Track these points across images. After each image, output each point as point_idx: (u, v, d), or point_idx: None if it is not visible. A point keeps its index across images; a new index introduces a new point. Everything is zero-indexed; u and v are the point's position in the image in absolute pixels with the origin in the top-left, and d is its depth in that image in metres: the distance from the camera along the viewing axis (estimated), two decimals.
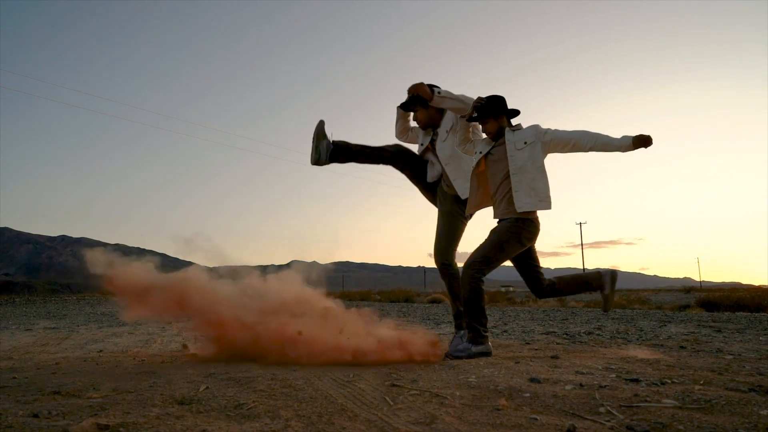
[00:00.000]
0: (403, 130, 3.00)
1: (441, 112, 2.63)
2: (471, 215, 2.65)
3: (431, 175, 2.62)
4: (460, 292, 2.64)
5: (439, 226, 2.59)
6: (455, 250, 2.59)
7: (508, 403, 1.60)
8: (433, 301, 15.00)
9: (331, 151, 2.40)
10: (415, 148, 2.89)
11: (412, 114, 2.96)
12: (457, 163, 2.53)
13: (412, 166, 2.61)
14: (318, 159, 2.40)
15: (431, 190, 2.67)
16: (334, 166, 2.83)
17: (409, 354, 2.46)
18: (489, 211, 2.93)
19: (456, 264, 2.60)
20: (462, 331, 2.67)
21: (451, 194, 2.54)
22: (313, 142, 2.42)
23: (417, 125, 2.91)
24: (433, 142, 2.64)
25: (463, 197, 2.52)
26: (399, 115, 2.98)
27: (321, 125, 2.43)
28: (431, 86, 2.52)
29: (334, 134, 2.80)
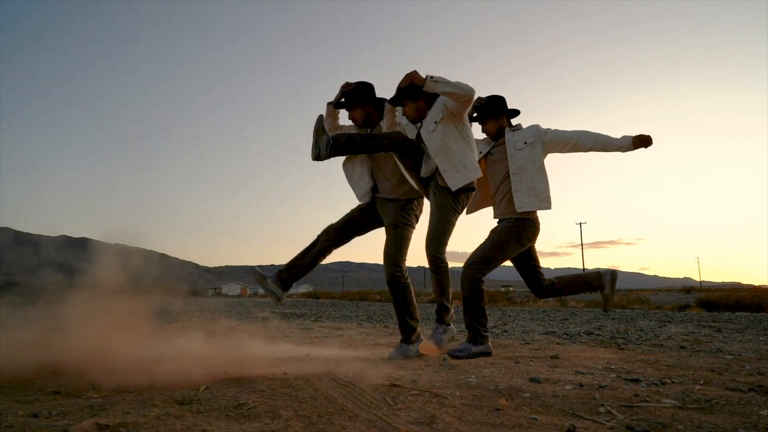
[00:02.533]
0: (332, 128, 2.88)
1: (429, 103, 2.62)
2: (464, 208, 2.65)
3: (425, 170, 2.61)
4: (448, 287, 2.64)
5: (433, 219, 2.58)
6: (446, 244, 2.59)
7: (508, 403, 1.60)
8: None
9: (330, 146, 2.40)
10: None
11: (341, 111, 2.86)
12: (448, 154, 2.53)
13: (413, 158, 2.60)
14: (318, 154, 2.39)
15: (425, 184, 2.67)
16: (336, 165, 2.80)
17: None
18: (489, 211, 2.93)
19: (446, 259, 2.60)
20: (442, 327, 2.66)
21: (444, 187, 2.54)
22: (312, 137, 2.42)
23: (383, 122, 2.85)
24: (419, 134, 2.63)
25: (453, 189, 2.51)
26: (328, 112, 2.84)
27: (320, 120, 2.43)
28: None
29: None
